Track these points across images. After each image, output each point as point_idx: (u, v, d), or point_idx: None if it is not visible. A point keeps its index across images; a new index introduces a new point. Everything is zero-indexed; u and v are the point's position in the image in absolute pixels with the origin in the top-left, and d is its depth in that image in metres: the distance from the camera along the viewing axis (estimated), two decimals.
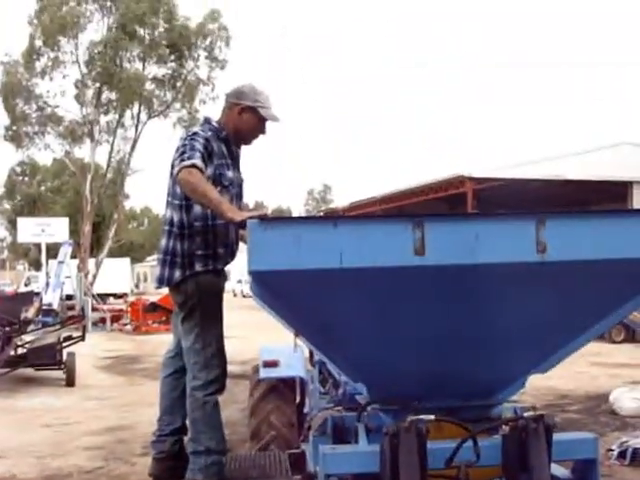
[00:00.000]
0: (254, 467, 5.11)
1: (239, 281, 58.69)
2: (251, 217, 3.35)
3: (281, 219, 3.39)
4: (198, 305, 4.92)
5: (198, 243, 4.91)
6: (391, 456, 3.35)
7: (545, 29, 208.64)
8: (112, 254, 48.00)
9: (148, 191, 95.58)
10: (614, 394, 10.78)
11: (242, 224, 3.83)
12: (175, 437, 5.30)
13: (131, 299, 35.82)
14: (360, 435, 4.06)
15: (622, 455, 7.89)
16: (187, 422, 5.12)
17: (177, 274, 4.95)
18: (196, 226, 4.90)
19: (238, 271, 51.74)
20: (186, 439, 5.16)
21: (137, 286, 68.75)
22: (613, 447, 8.08)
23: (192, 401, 4.95)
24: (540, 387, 11.25)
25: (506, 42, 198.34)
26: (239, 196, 5.14)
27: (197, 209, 4.85)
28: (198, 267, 4.92)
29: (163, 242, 5.05)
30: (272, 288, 3.37)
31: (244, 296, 52.44)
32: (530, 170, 27.08)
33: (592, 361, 15.71)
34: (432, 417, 3.44)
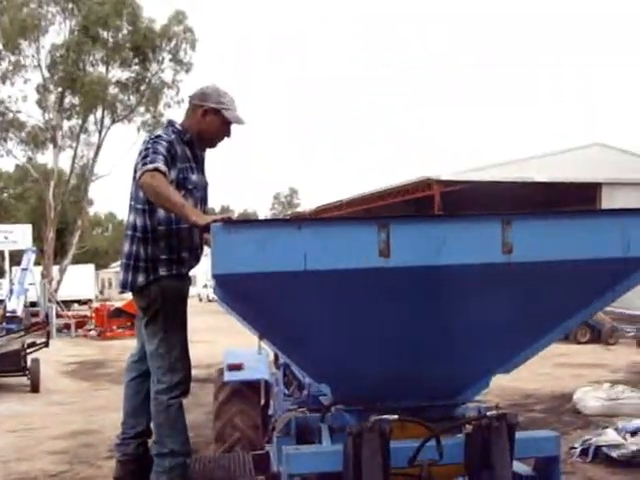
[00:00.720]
0: (218, 468, 5.12)
1: (205, 286, 58.44)
2: (215, 220, 3.35)
3: (245, 222, 3.40)
4: (162, 309, 4.90)
5: (162, 247, 4.88)
6: (354, 455, 3.36)
7: (510, 30, 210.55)
8: (76, 260, 47.67)
9: (112, 197, 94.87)
10: (578, 394, 10.93)
11: (206, 227, 3.82)
12: (139, 440, 5.29)
13: (95, 305, 35.56)
14: (323, 435, 4.08)
15: (584, 453, 8.01)
16: (151, 425, 5.12)
17: (140, 279, 4.93)
18: (160, 230, 4.87)
19: (204, 276, 51.58)
20: (150, 442, 5.16)
21: (102, 292, 68.19)
22: (576, 445, 8.18)
23: (156, 404, 4.94)
24: (505, 387, 11.32)
25: (472, 42, 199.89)
26: (204, 200, 5.11)
27: (161, 213, 4.82)
28: (162, 272, 4.90)
29: (126, 247, 5.02)
30: (236, 291, 3.37)
31: (210, 300, 52.31)
32: (498, 172, 27.27)
33: (557, 362, 15.86)
34: (395, 417, 3.46)
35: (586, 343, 20.72)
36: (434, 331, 3.58)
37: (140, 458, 5.26)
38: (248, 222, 3.38)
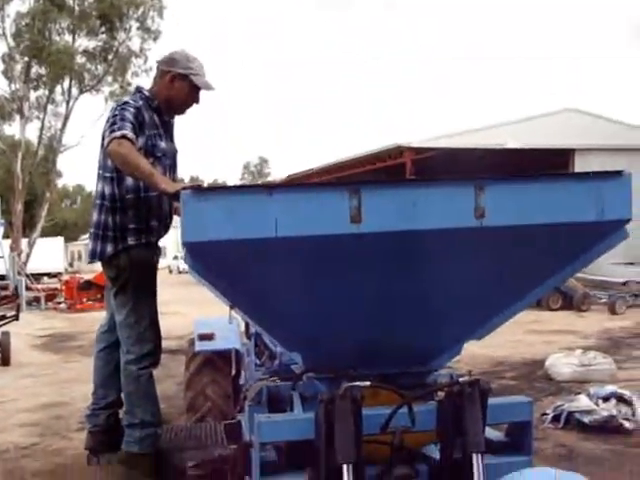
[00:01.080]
0: (190, 438, 5.12)
1: (175, 257, 58.29)
2: (184, 188, 3.31)
3: (215, 189, 3.36)
4: (131, 279, 4.87)
5: (130, 216, 4.83)
6: (326, 423, 3.35)
7: (501, 23, 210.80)
8: (45, 233, 47.32)
9: (81, 169, 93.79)
10: (549, 360, 10.99)
11: (175, 195, 3.79)
12: (110, 410, 5.27)
13: (65, 278, 35.36)
14: (295, 403, 4.07)
15: (556, 419, 8.06)
16: (122, 395, 5.10)
17: (109, 248, 4.88)
18: (128, 199, 4.82)
19: (174, 247, 51.43)
20: (121, 412, 5.14)
21: (71, 265, 67.82)
22: (547, 411, 8.24)
23: (126, 375, 4.92)
24: (476, 355, 11.39)
25: (462, 35, 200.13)
26: (173, 167, 5.05)
27: (129, 181, 4.77)
28: (131, 241, 4.85)
29: (95, 216, 4.97)
30: (207, 259, 3.33)
31: (180, 272, 52.16)
32: (470, 139, 27.16)
33: (529, 329, 15.97)
34: (367, 383, 3.45)
35: (558, 310, 20.88)
36: (406, 297, 3.56)
37: (111, 429, 5.24)
38: (218, 189, 3.33)
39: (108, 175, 4.84)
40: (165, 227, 5.00)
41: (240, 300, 3.85)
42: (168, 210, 4.97)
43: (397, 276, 3.43)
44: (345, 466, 3.27)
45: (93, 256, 4.98)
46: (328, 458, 3.35)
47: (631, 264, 23.89)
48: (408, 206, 3.16)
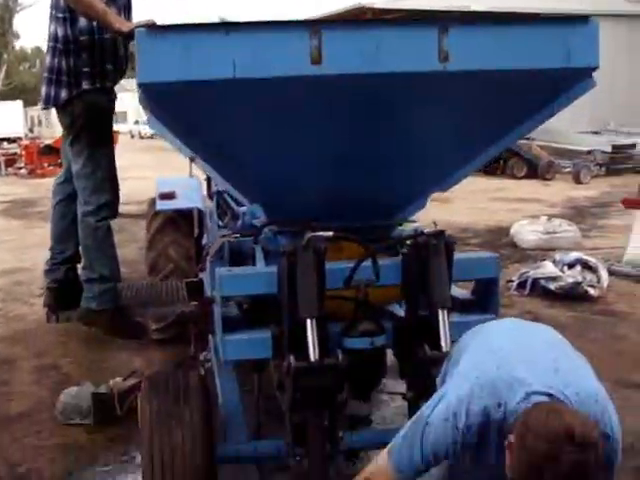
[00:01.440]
0: (150, 295, 5.02)
1: (136, 122, 57.37)
2: (138, 26, 3.13)
3: (170, 27, 3.15)
4: (86, 126, 4.72)
5: (84, 59, 4.65)
6: (289, 276, 3.26)
7: None
8: (3, 97, 46.33)
9: (38, 30, 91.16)
10: (514, 227, 11.02)
11: (130, 36, 3.63)
12: (68, 265, 5.19)
13: (25, 143, 34.74)
14: (257, 257, 3.99)
15: (522, 286, 8.11)
16: (80, 250, 5.00)
17: (63, 93, 4.71)
18: (82, 41, 4.63)
19: (135, 112, 50.62)
20: (80, 268, 5.05)
21: (31, 130, 66.65)
22: (513, 278, 8.27)
23: (84, 227, 4.82)
24: (440, 221, 11.14)
25: None
26: (127, 9, 4.83)
27: (82, 22, 4.56)
28: (85, 85, 4.68)
29: (48, 60, 4.79)
30: (164, 103, 3.16)
31: (142, 137, 51.42)
32: (434, 0, 26.71)
33: (493, 196, 15.88)
34: (330, 233, 3.36)
35: (523, 178, 20.84)
36: (369, 146, 3.44)
37: (69, 284, 5.18)
38: (173, 27, 3.13)
39: (61, 15, 4.63)
40: (120, 72, 4.83)
41: (200, 149, 3.70)
42: (124, 54, 4.79)
43: (359, 123, 3.30)
44: (308, 320, 3.20)
45: (47, 101, 4.82)
46: (291, 313, 3.27)
47: (596, 133, 23.87)
48: (370, 47, 2.99)
